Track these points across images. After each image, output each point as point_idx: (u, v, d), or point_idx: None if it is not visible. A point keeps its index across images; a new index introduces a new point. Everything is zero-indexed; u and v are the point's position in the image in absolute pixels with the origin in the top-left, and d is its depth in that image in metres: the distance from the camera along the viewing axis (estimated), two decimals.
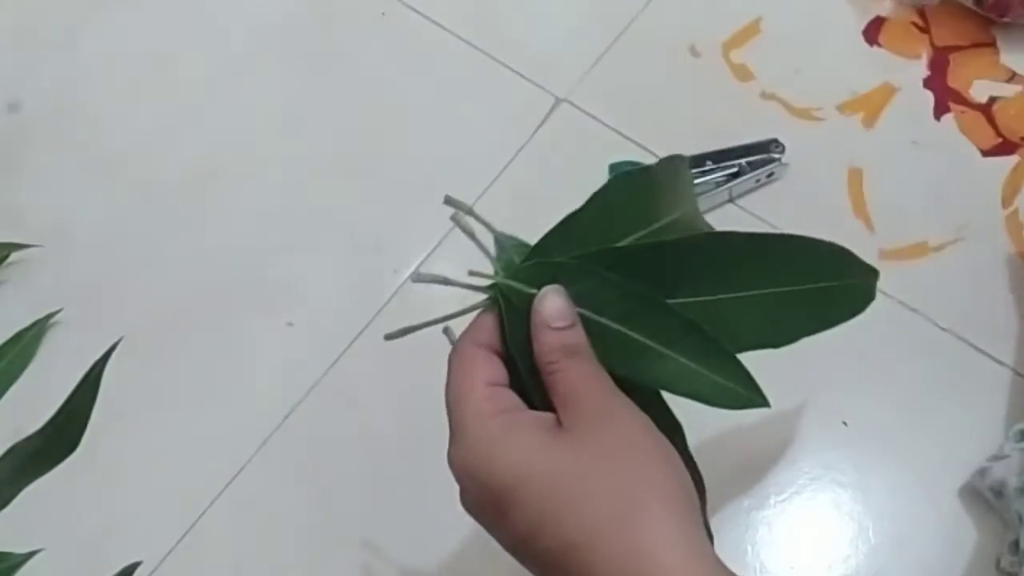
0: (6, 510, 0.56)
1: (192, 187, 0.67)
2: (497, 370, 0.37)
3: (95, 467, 0.57)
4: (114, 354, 0.57)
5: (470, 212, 0.41)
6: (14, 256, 0.64)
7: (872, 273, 0.41)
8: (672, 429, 0.38)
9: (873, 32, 0.68)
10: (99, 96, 0.71)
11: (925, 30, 0.68)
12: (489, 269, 0.40)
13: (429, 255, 0.63)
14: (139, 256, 0.65)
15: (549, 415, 0.35)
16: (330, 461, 0.57)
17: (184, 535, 0.56)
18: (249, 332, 0.62)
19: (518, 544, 0.34)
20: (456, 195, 0.64)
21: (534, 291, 0.37)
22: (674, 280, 0.38)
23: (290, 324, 0.62)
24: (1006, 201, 0.62)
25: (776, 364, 0.54)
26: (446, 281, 0.39)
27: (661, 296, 0.37)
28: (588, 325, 0.36)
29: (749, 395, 0.38)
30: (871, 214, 0.62)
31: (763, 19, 0.69)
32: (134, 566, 0.53)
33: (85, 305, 0.63)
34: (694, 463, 0.38)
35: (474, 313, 0.40)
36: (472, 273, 0.39)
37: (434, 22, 0.72)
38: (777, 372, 0.54)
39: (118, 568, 0.53)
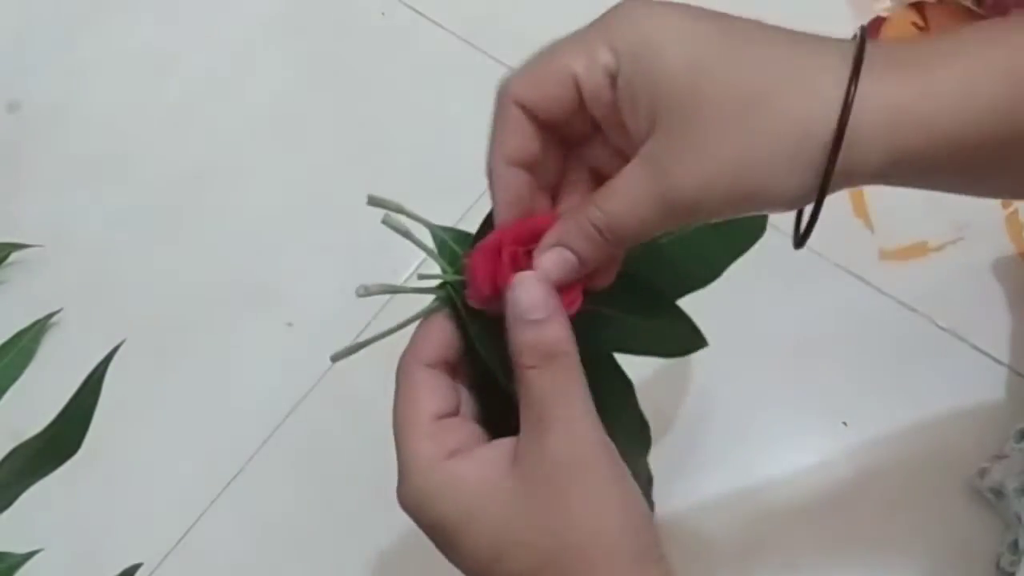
0: (7, 510, 0.56)
1: (192, 187, 0.67)
2: (443, 396, 0.34)
3: (95, 468, 0.57)
4: (114, 354, 0.57)
5: (399, 209, 0.36)
6: (14, 256, 0.64)
7: None
8: (623, 389, 0.37)
9: (873, 32, 0.68)
10: (99, 96, 0.71)
11: (925, 30, 0.68)
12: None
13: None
14: (139, 256, 0.65)
15: (501, 448, 0.32)
16: (330, 461, 0.57)
17: (184, 535, 0.56)
18: (249, 332, 0.62)
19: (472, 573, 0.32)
20: (456, 195, 0.65)
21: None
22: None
23: (290, 324, 0.62)
24: (1006, 201, 0.62)
25: (776, 364, 0.55)
26: (393, 290, 0.35)
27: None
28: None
29: (692, 338, 0.37)
30: (871, 214, 0.62)
31: (763, 19, 0.69)
32: (134, 568, 0.53)
33: (85, 305, 0.63)
34: (643, 420, 0.38)
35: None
36: (422, 276, 0.35)
37: (434, 22, 0.72)
38: (777, 372, 0.55)
39: (118, 568, 0.53)
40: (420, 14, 0.72)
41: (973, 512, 0.53)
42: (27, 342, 0.62)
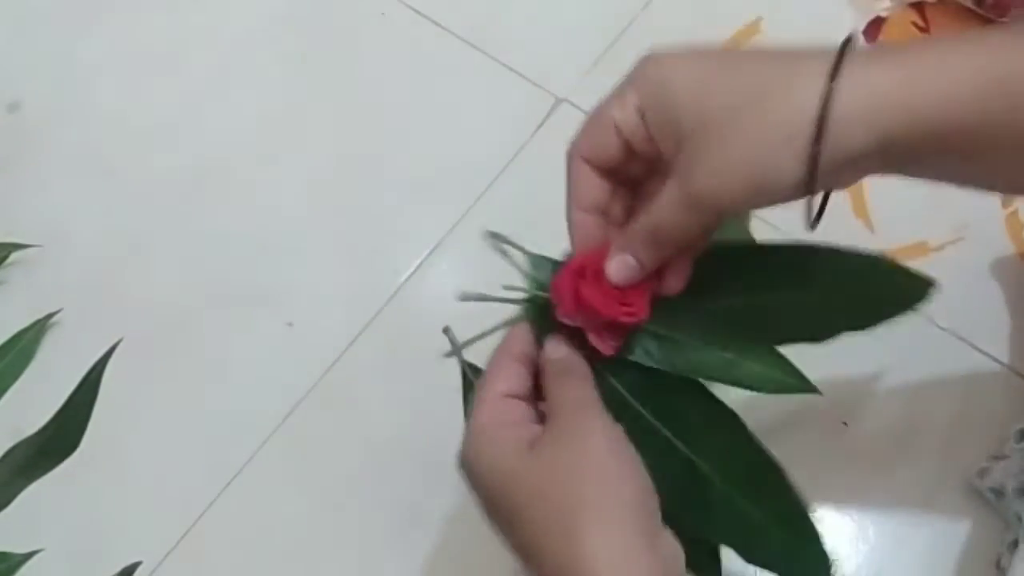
0: (6, 510, 0.56)
1: (192, 187, 0.67)
2: (517, 381, 0.40)
3: (95, 467, 0.57)
4: (114, 354, 0.57)
5: (507, 241, 0.46)
6: (14, 256, 0.64)
7: (908, 279, 0.43)
8: (719, 416, 0.42)
9: (873, 32, 0.68)
10: (99, 96, 0.71)
11: (925, 30, 0.68)
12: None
13: (429, 255, 0.63)
14: (139, 256, 0.65)
15: (533, 433, 0.37)
16: (330, 461, 0.57)
17: (184, 535, 0.56)
18: (249, 332, 0.62)
19: (503, 533, 0.37)
20: (456, 194, 0.65)
21: None
22: (722, 282, 0.41)
23: (290, 324, 0.62)
24: (1006, 201, 0.62)
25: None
26: (484, 297, 0.44)
27: (711, 297, 0.41)
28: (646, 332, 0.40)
29: (794, 381, 0.42)
30: (871, 214, 0.62)
31: (763, 19, 0.69)
32: (134, 566, 0.53)
33: (85, 305, 0.63)
34: (758, 446, 0.41)
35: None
36: (506, 287, 0.44)
37: (434, 22, 0.72)
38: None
39: (118, 568, 0.53)
40: (420, 14, 0.72)
41: (973, 512, 0.53)
42: (27, 342, 0.62)
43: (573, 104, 0.67)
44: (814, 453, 0.55)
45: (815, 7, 0.70)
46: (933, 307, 0.57)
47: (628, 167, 0.39)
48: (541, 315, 0.42)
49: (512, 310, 0.44)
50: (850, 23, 0.69)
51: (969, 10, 0.68)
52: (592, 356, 0.40)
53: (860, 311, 0.42)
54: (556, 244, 0.62)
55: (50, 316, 0.62)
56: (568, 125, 0.66)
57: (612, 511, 0.34)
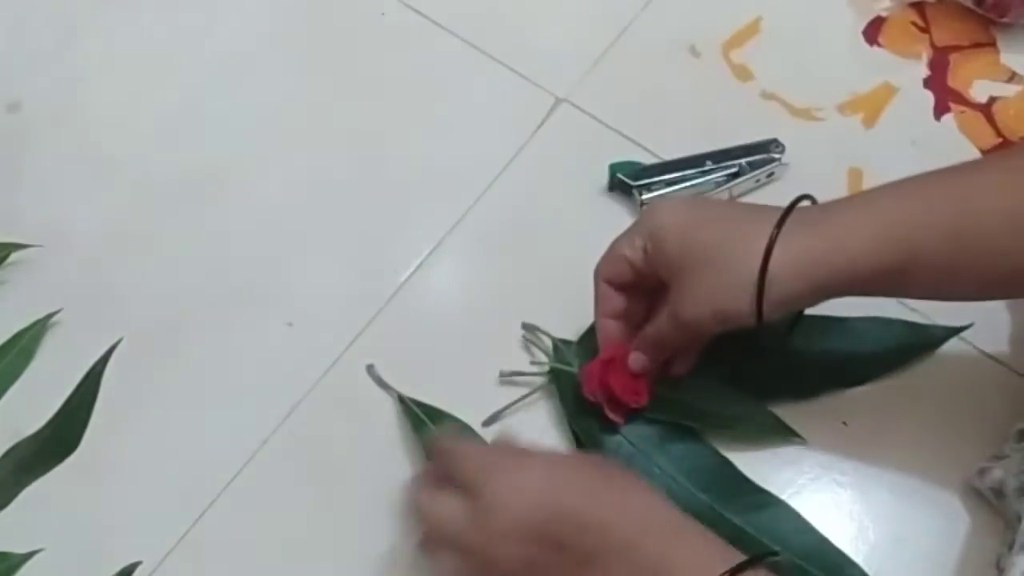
0: (6, 510, 0.56)
1: (192, 187, 0.67)
2: None
3: (95, 467, 0.57)
4: (114, 354, 0.57)
5: (538, 329, 0.59)
6: (14, 256, 0.64)
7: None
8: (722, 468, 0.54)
9: (873, 32, 0.68)
10: (99, 96, 0.71)
11: (925, 30, 0.68)
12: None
13: (429, 255, 0.63)
14: (139, 256, 0.65)
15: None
16: (330, 461, 0.57)
17: (184, 535, 0.56)
18: (249, 332, 0.62)
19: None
20: (456, 194, 0.65)
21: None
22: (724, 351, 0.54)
23: (290, 324, 0.62)
24: None
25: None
26: (519, 373, 0.58)
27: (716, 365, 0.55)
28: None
29: (781, 434, 0.55)
30: None
31: (763, 19, 0.69)
32: (134, 566, 0.53)
33: (85, 305, 0.63)
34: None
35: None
36: (533, 363, 0.58)
37: (434, 22, 0.72)
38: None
39: (118, 568, 0.53)
40: (420, 14, 0.72)
41: (973, 512, 0.53)
42: (27, 342, 0.61)
43: (573, 104, 0.67)
44: (814, 453, 0.55)
45: (815, 7, 0.70)
46: (933, 307, 0.58)
47: (640, 284, 0.51)
48: (560, 382, 0.57)
49: (535, 381, 0.58)
50: (850, 23, 0.69)
51: (969, 10, 0.68)
52: (604, 418, 0.54)
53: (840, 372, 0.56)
54: (556, 243, 0.62)
55: (50, 316, 0.62)
56: (568, 125, 0.67)
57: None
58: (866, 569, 0.50)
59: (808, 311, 0.52)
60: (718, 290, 0.46)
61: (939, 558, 0.52)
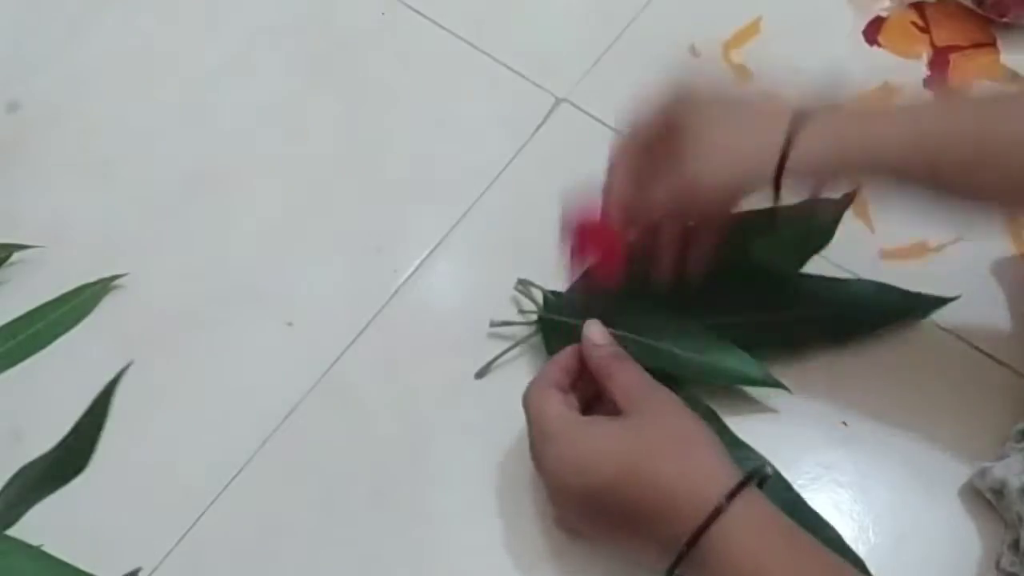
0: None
1: (191, 187, 0.67)
2: (566, 396, 0.50)
3: (95, 467, 0.56)
4: (114, 353, 0.57)
5: (533, 284, 0.60)
6: (14, 256, 0.64)
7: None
8: (707, 416, 0.53)
9: (873, 32, 0.68)
10: (99, 96, 0.71)
11: (925, 30, 0.68)
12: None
13: (429, 255, 0.63)
14: (139, 256, 0.64)
15: (607, 417, 0.48)
16: (330, 461, 0.57)
17: (184, 535, 0.56)
18: (249, 332, 0.62)
19: (601, 496, 0.46)
20: (456, 194, 0.65)
21: (573, 321, 0.53)
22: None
23: (290, 324, 0.62)
24: None
25: (777, 364, 0.55)
26: (509, 323, 0.59)
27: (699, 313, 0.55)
28: (631, 344, 0.52)
29: (763, 377, 0.54)
30: (871, 214, 0.62)
31: (763, 19, 0.69)
32: (134, 573, 0.53)
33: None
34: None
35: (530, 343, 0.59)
36: (522, 311, 0.60)
37: (434, 22, 0.72)
38: (777, 372, 0.55)
39: (118, 568, 0.53)
40: (420, 14, 0.72)
41: (973, 512, 0.53)
42: (83, 301, 0.62)
43: (573, 104, 0.67)
44: (814, 453, 0.55)
45: (815, 7, 0.70)
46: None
47: (656, 149, 0.49)
48: (549, 331, 0.57)
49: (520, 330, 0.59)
50: (850, 23, 0.69)
51: (969, 10, 0.68)
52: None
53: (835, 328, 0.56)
54: (554, 242, 0.62)
55: (114, 278, 0.63)
56: (568, 125, 0.67)
57: (711, 441, 0.46)
58: (867, 569, 0.50)
59: (809, 271, 0.57)
60: (742, 143, 0.46)
61: (939, 558, 0.52)
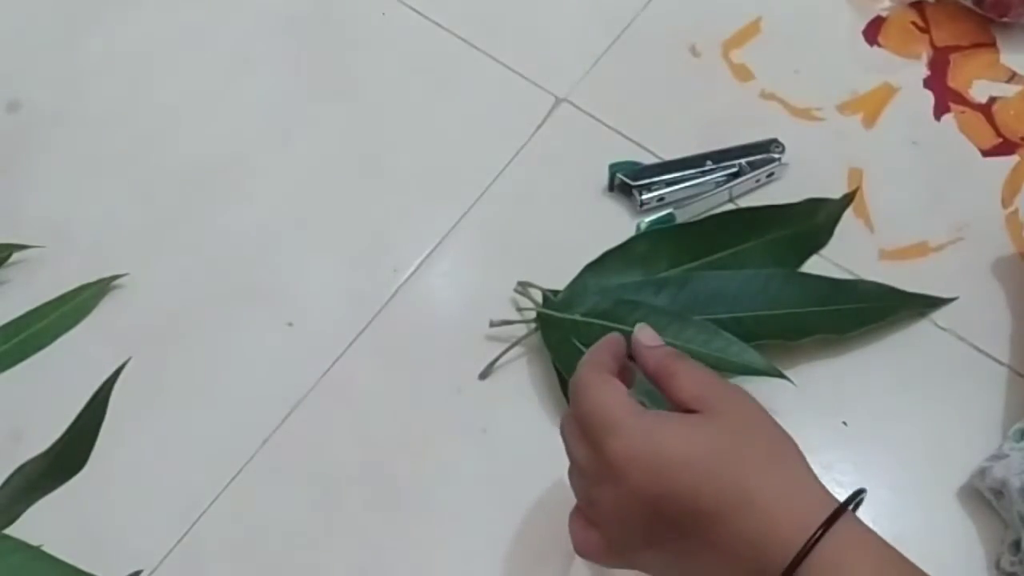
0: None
1: (192, 187, 0.67)
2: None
3: (95, 467, 0.57)
4: (114, 353, 0.57)
5: (532, 285, 0.60)
6: (15, 256, 0.64)
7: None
8: None
9: (873, 32, 0.68)
10: (99, 96, 0.71)
11: (925, 30, 0.68)
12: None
13: (429, 255, 0.63)
14: (139, 256, 0.64)
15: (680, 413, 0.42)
16: (330, 461, 0.57)
17: (184, 535, 0.56)
18: (249, 332, 0.62)
19: (680, 502, 0.39)
20: (456, 194, 0.65)
21: (573, 316, 0.57)
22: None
23: (290, 324, 0.62)
24: (1006, 201, 0.62)
25: (777, 364, 0.55)
26: (507, 322, 0.60)
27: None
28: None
29: (766, 368, 0.54)
30: (871, 214, 0.62)
31: (763, 19, 0.69)
32: (135, 575, 0.53)
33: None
34: None
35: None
36: (520, 309, 0.60)
37: (434, 22, 0.72)
38: None
39: (118, 568, 0.53)
40: (420, 14, 0.72)
41: (973, 512, 0.53)
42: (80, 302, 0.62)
43: (573, 104, 0.67)
44: (814, 453, 0.55)
45: (815, 7, 0.70)
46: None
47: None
48: (548, 327, 0.58)
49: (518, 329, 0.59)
50: (850, 23, 0.69)
51: (969, 10, 0.68)
52: None
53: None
54: (556, 243, 0.62)
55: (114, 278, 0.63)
56: (568, 125, 0.67)
57: (793, 446, 0.41)
58: None
59: (808, 270, 0.59)
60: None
61: (939, 558, 0.52)
